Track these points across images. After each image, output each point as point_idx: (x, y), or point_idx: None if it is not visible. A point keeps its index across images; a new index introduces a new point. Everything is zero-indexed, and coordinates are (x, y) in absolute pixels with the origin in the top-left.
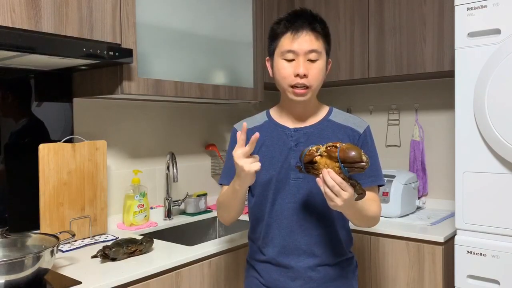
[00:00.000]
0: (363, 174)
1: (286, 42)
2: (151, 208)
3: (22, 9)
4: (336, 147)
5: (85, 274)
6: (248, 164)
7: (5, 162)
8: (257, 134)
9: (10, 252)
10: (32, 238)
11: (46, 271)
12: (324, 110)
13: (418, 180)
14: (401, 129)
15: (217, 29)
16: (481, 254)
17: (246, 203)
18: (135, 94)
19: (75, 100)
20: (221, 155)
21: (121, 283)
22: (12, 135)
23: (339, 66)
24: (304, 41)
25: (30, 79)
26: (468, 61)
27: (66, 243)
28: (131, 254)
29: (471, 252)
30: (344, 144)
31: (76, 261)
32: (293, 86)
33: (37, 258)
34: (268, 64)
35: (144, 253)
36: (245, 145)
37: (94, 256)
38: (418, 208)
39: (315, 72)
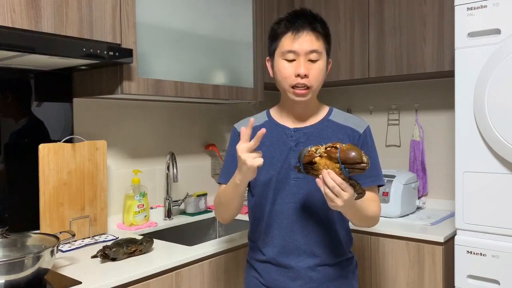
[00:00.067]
0: (363, 174)
1: (287, 42)
2: (151, 208)
3: (22, 9)
4: (336, 148)
5: (85, 274)
6: (251, 158)
7: (5, 162)
8: (263, 130)
9: (10, 252)
10: (32, 238)
11: (46, 271)
12: (324, 110)
13: (418, 180)
14: (401, 129)
15: (217, 29)
16: (481, 254)
17: (246, 203)
18: (135, 94)
19: (75, 100)
20: (221, 155)
21: (121, 283)
22: (12, 135)
23: (339, 66)
24: (304, 41)
25: (30, 79)
26: (468, 61)
27: (66, 243)
28: (131, 254)
29: (471, 252)
30: (344, 144)
31: (76, 261)
32: (293, 87)
33: (37, 258)
34: (268, 64)
35: (144, 253)
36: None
37: (94, 256)
38: (418, 208)
39: (316, 73)
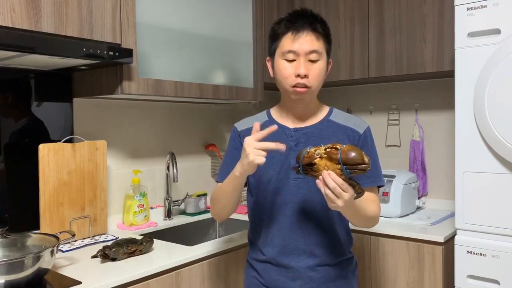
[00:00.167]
0: (363, 175)
1: (287, 42)
2: (151, 208)
3: (22, 9)
4: (336, 149)
5: (85, 274)
6: (254, 154)
7: (5, 162)
8: (275, 126)
9: (10, 252)
10: (32, 238)
11: (46, 271)
12: (325, 110)
13: (418, 180)
14: (401, 129)
15: (217, 29)
16: (481, 254)
17: (245, 203)
18: (135, 94)
19: (75, 100)
20: (221, 155)
21: (121, 283)
22: (12, 135)
23: (339, 66)
24: (305, 42)
25: (30, 79)
26: (468, 61)
27: (66, 243)
28: (131, 254)
29: (471, 252)
30: (344, 145)
31: (76, 261)
32: (294, 86)
33: (37, 258)
34: (268, 64)
35: (144, 253)
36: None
37: (94, 256)
38: (418, 208)
39: (316, 73)
